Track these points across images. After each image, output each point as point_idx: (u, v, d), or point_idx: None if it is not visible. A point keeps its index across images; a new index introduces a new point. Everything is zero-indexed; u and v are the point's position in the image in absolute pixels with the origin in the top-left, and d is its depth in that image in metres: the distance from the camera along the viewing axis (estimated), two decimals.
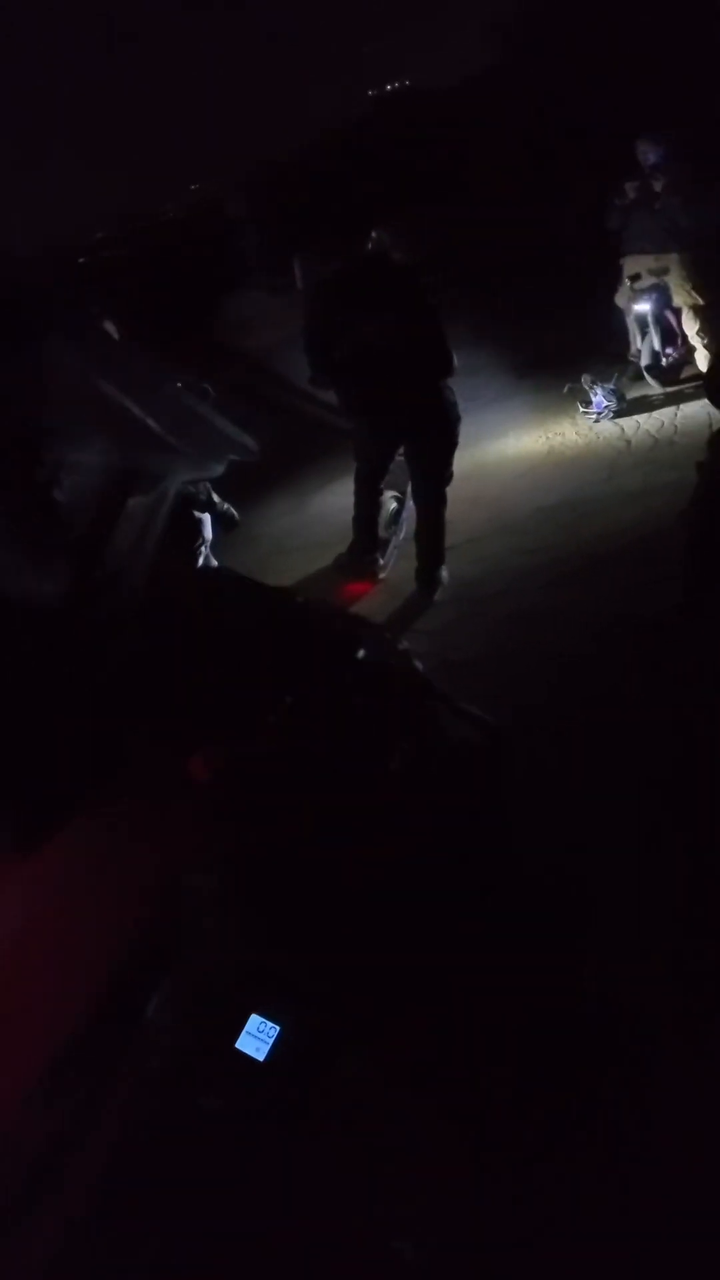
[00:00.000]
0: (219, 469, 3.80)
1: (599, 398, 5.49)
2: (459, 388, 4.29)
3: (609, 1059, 2.06)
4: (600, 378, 5.59)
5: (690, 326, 5.81)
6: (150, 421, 2.62)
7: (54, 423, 2.42)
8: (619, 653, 3.45)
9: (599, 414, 5.49)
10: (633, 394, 5.71)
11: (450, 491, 4.34)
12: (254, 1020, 2.02)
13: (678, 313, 5.94)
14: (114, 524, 2.48)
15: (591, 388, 5.54)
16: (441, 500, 4.30)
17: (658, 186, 5.96)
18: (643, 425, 5.37)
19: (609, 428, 5.43)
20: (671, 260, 5.86)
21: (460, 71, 13.94)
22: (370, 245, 4.26)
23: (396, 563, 4.63)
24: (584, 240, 6.81)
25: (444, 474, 4.27)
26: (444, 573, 4.36)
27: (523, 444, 5.59)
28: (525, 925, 2.21)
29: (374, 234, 4.28)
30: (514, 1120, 1.94)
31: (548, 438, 5.59)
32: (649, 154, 6.01)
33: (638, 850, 2.57)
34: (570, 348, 6.27)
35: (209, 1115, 1.97)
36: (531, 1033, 2.03)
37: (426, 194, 9.01)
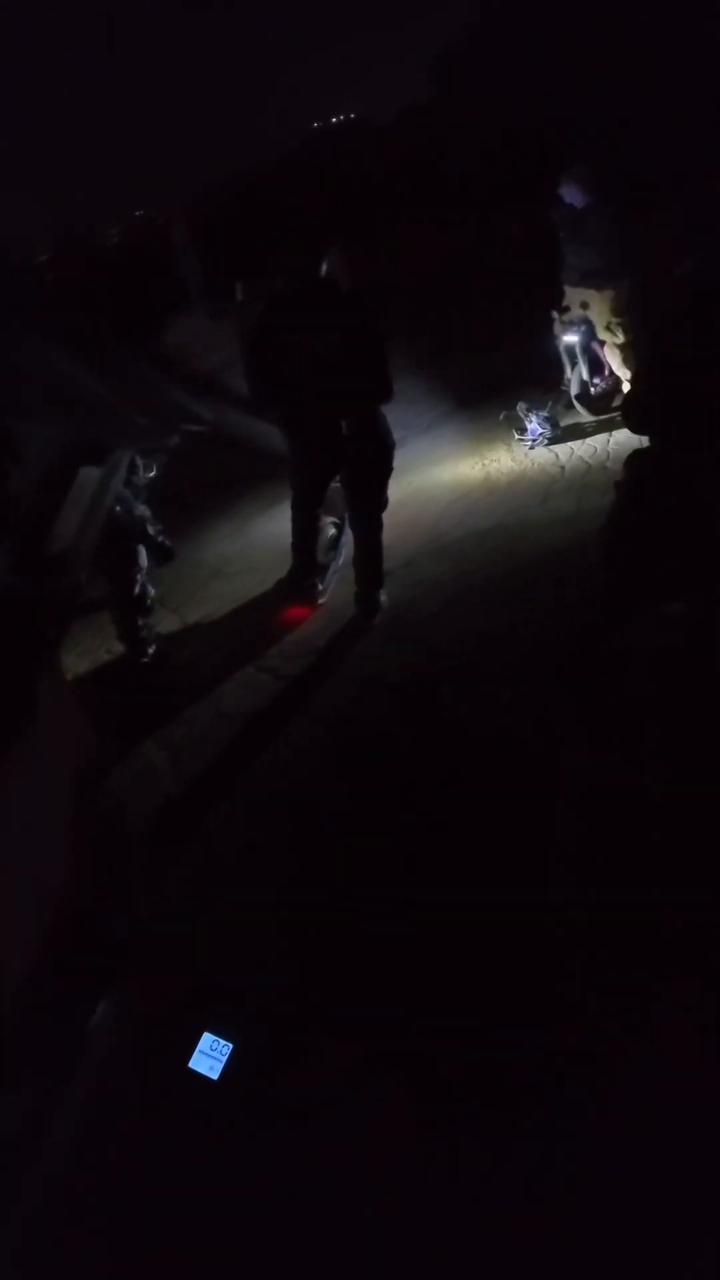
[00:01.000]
0: (173, 438, 3.78)
1: (534, 425, 5.61)
2: (398, 415, 4.35)
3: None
4: (535, 405, 5.71)
5: (614, 359, 5.99)
6: (101, 389, 2.60)
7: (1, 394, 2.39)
8: (551, 669, 3.54)
9: (534, 441, 5.61)
10: (566, 421, 5.85)
11: (388, 516, 4.38)
12: (207, 1038, 2.05)
13: (604, 344, 6.11)
14: (64, 495, 2.46)
15: (526, 415, 5.67)
16: (378, 526, 4.34)
17: (578, 219, 6.14)
18: (576, 452, 5.51)
19: (544, 454, 5.55)
20: (592, 297, 6.04)
21: (404, 105, 14.24)
22: (316, 269, 4.30)
23: (336, 587, 4.66)
24: (520, 271, 6.98)
25: (379, 500, 4.31)
26: (383, 596, 4.40)
27: (460, 470, 5.68)
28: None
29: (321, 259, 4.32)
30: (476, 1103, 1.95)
31: (484, 464, 5.69)
32: (569, 193, 6.20)
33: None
34: (506, 376, 6.40)
35: (165, 1136, 1.96)
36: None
37: (367, 224, 9.15)
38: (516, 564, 4.48)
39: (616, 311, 5.84)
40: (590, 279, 5.94)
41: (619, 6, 10.53)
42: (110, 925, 2.40)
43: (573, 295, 6.13)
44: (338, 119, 16.48)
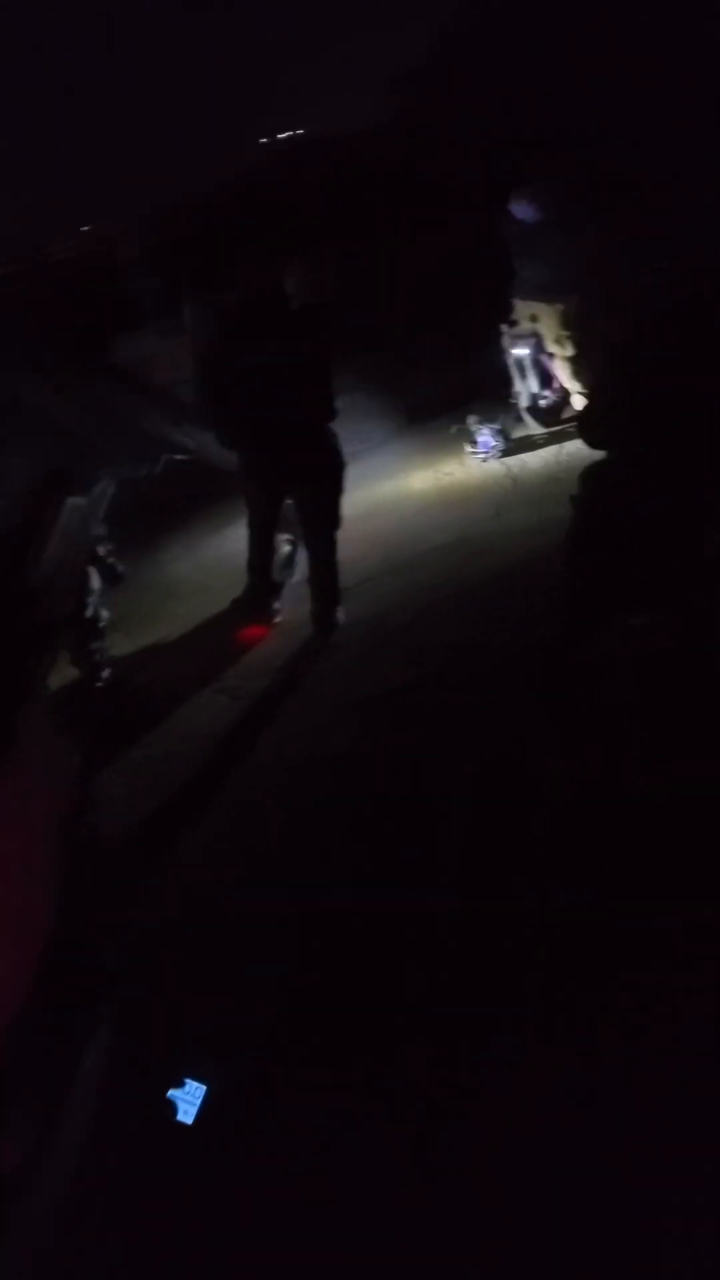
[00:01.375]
0: (154, 468, 3.71)
1: (485, 438, 5.65)
2: (351, 429, 4.35)
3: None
4: (486, 418, 5.76)
5: (563, 373, 6.05)
6: (79, 420, 2.59)
7: None
8: (516, 683, 3.54)
9: (486, 454, 5.65)
10: (518, 434, 5.90)
11: (343, 533, 4.37)
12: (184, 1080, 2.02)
13: (553, 357, 6.18)
14: (51, 526, 2.43)
15: (478, 428, 5.71)
16: (332, 544, 4.33)
17: (531, 234, 6.22)
18: (529, 464, 5.55)
19: (496, 467, 5.59)
20: (541, 310, 6.11)
21: (355, 124, 14.29)
22: (268, 284, 4.27)
23: (293, 606, 4.63)
24: (470, 284, 7.03)
25: (332, 518, 4.29)
26: (340, 614, 4.38)
27: (413, 484, 5.69)
28: None
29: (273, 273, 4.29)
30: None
31: (437, 478, 5.71)
32: (519, 208, 6.27)
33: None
34: (457, 390, 6.44)
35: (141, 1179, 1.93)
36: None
37: (316, 240, 9.15)
38: (474, 579, 4.50)
39: (566, 325, 5.92)
40: (541, 292, 6.02)
41: (588, 15, 10.67)
42: (99, 957, 2.35)
43: (522, 309, 6.21)
44: (291, 134, 16.48)
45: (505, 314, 6.23)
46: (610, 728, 3.18)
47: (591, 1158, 1.86)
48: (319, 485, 4.19)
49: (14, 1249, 1.63)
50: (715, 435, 2.97)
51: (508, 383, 6.31)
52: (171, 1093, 2.00)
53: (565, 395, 6.14)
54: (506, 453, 5.66)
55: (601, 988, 2.25)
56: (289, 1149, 2.00)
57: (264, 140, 16.51)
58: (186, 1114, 2.00)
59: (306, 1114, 2.06)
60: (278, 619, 4.58)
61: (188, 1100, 2.01)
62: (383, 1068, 2.16)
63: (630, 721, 3.17)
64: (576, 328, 5.84)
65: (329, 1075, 2.16)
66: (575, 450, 5.56)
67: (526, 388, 6.14)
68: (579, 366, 5.89)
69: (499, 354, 6.32)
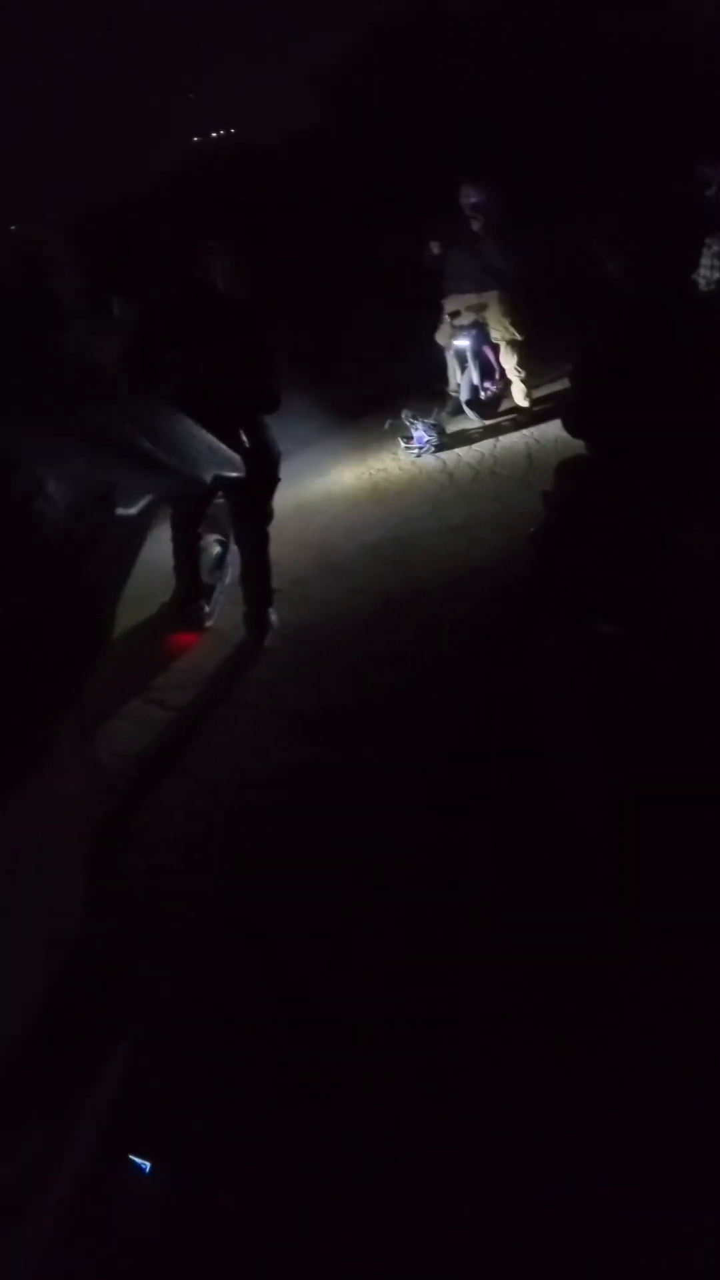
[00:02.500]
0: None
1: (419, 433, 5.55)
2: (282, 427, 4.21)
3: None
4: (420, 413, 5.67)
5: (509, 361, 6.01)
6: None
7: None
8: (451, 685, 3.45)
9: (420, 449, 5.56)
10: (453, 428, 5.83)
11: (275, 532, 4.22)
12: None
13: (496, 348, 6.13)
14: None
15: (412, 423, 5.61)
16: (264, 541, 4.18)
17: (476, 227, 6.19)
18: (463, 458, 5.47)
19: (430, 462, 5.50)
20: (490, 298, 6.07)
21: (284, 122, 14.20)
22: (199, 279, 4.14)
23: (224, 609, 4.47)
24: (403, 281, 6.97)
25: (264, 513, 4.15)
26: (273, 616, 4.23)
27: (346, 481, 5.57)
28: None
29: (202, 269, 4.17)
30: None
31: (371, 474, 5.60)
32: (469, 196, 6.22)
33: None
34: (391, 385, 6.35)
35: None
36: None
37: (249, 238, 9.03)
38: (409, 577, 4.40)
39: (512, 311, 5.89)
40: (488, 279, 5.98)
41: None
42: (119, 978, 2.22)
43: (465, 300, 6.16)
44: (219, 134, 16.33)
45: (447, 305, 6.18)
46: (567, 736, 3.07)
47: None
48: (252, 478, 4.05)
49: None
50: (690, 439, 2.92)
51: (445, 376, 6.25)
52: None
53: (506, 387, 6.10)
54: (441, 447, 5.58)
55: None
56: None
57: (196, 139, 16.35)
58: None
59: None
60: (209, 623, 4.42)
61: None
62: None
63: (592, 732, 3.06)
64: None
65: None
66: (510, 444, 5.53)
67: (467, 379, 6.07)
68: (524, 354, 5.88)
69: (437, 347, 6.26)
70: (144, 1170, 1.90)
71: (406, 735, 3.28)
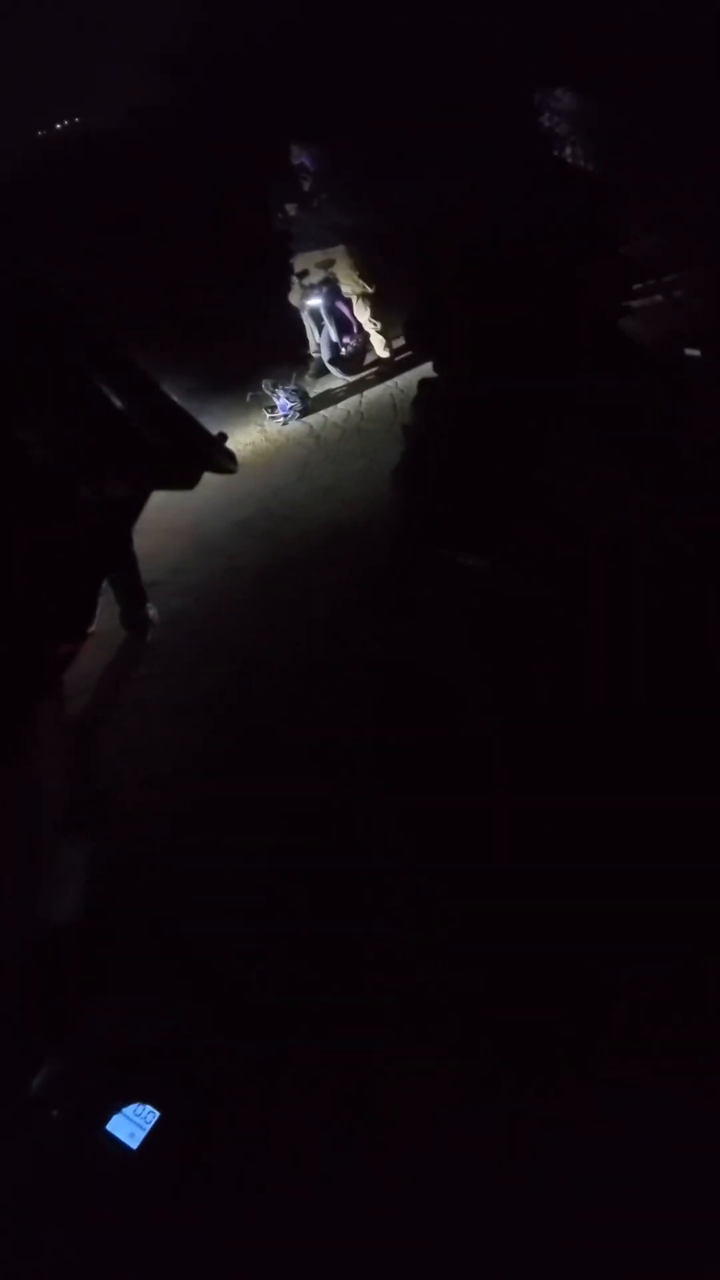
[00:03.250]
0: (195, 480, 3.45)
1: (282, 401, 5.48)
2: None
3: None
4: (281, 380, 5.59)
5: (363, 314, 5.94)
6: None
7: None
8: (331, 649, 3.44)
9: (285, 416, 5.49)
10: (317, 390, 5.76)
11: (146, 524, 4.11)
12: (133, 1105, 1.92)
13: (349, 302, 6.05)
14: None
15: (274, 392, 5.54)
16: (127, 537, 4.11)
17: (307, 186, 6.09)
18: (329, 419, 5.41)
19: (297, 428, 5.44)
20: (336, 253, 5.98)
21: (129, 105, 13.75)
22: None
23: (102, 611, 4.40)
24: (249, 248, 6.83)
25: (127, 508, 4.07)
26: (151, 610, 4.18)
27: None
28: None
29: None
30: None
31: (238, 449, 5.50)
32: (297, 156, 6.12)
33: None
34: (248, 356, 6.25)
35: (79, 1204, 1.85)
36: None
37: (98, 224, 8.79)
38: (282, 547, 4.36)
39: (360, 264, 5.81)
40: (330, 235, 5.89)
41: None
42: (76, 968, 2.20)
43: (311, 259, 6.06)
44: (64, 124, 15.74)
45: (296, 265, 6.07)
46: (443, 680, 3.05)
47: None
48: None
49: None
50: (538, 368, 2.87)
51: (304, 338, 6.16)
52: (123, 1112, 1.92)
53: (366, 340, 6.03)
54: (306, 412, 5.52)
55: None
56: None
57: (41, 133, 15.76)
58: (132, 1137, 1.91)
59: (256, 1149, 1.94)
60: (90, 629, 4.35)
61: (136, 1123, 1.93)
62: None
63: (465, 671, 3.06)
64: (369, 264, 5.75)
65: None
66: (375, 397, 5.48)
67: (325, 338, 6.00)
68: (377, 304, 5.81)
69: (292, 309, 6.16)
70: (125, 1144, 1.89)
71: (294, 708, 3.28)
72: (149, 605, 4.17)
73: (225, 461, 2.47)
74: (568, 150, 5.59)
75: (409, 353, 5.78)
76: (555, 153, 5.61)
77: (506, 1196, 1.70)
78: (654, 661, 2.74)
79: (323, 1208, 1.81)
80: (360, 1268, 1.72)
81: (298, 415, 5.48)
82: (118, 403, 2.55)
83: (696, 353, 4.07)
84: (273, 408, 5.54)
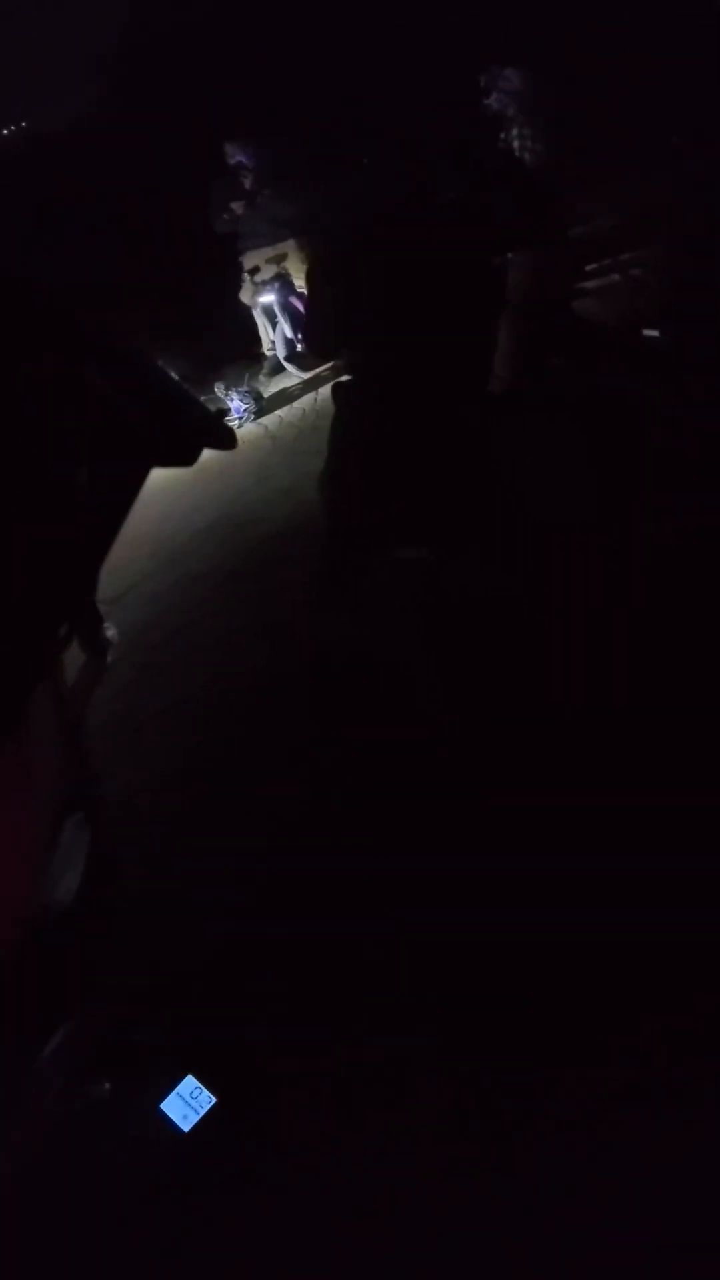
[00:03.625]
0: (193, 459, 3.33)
1: (236, 403, 5.37)
2: None
3: None
4: (233, 383, 5.47)
5: None
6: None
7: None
8: (291, 654, 3.32)
9: (240, 419, 5.37)
10: (271, 389, 5.65)
11: None
12: (188, 1082, 1.89)
13: (303, 297, 5.94)
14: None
15: (227, 395, 5.42)
16: None
17: (248, 184, 6.00)
18: (285, 418, 5.31)
19: (253, 429, 5.32)
20: (287, 248, 5.89)
21: (74, 108, 13.54)
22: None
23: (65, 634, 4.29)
24: (196, 249, 6.70)
25: None
26: (109, 631, 4.05)
27: (170, 471, 5.36)
28: None
29: None
30: None
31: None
32: (233, 155, 6.03)
33: None
34: (201, 358, 6.13)
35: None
36: None
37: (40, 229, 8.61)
38: (244, 553, 4.27)
39: (310, 257, 5.71)
40: (279, 229, 5.80)
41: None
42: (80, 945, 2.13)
43: (258, 256, 5.97)
44: (8, 129, 15.50)
45: (246, 263, 5.97)
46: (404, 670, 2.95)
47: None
48: None
49: None
50: (452, 353, 2.77)
51: (258, 337, 6.05)
52: (176, 1091, 1.88)
53: None
54: (262, 413, 5.41)
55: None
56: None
57: None
58: (185, 1119, 1.87)
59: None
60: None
61: (191, 1105, 1.89)
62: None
63: (417, 666, 2.98)
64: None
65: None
66: (329, 396, 5.37)
67: (280, 334, 5.89)
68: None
69: (244, 309, 6.05)
70: (178, 1127, 1.84)
71: (256, 715, 3.20)
72: (107, 626, 4.06)
73: (224, 437, 2.37)
74: (515, 132, 5.49)
75: None
76: (503, 135, 5.51)
77: (505, 1197, 1.66)
78: (616, 652, 2.69)
79: (321, 1209, 1.77)
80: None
81: (253, 417, 5.37)
82: (110, 381, 2.45)
83: (654, 333, 4.00)
84: (227, 412, 5.42)
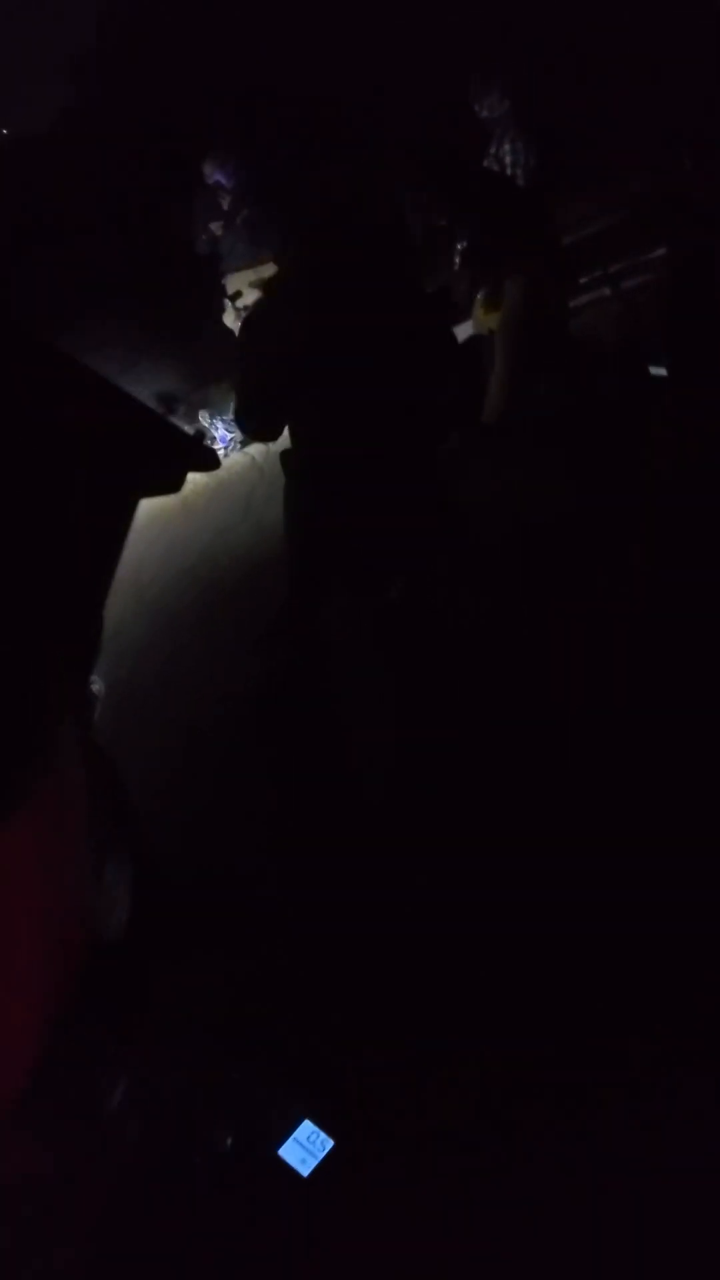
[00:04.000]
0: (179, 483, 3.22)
1: (221, 431, 5.22)
2: None
3: None
4: (218, 410, 5.32)
5: None
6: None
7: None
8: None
9: (225, 448, 5.22)
10: None
11: None
12: (305, 1127, 1.83)
13: None
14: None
15: (212, 422, 5.27)
16: None
17: (226, 205, 5.88)
18: (272, 448, 5.13)
19: (239, 458, 5.17)
20: (269, 266, 5.73)
21: (53, 113, 13.41)
22: None
23: None
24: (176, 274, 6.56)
25: None
26: (95, 685, 3.92)
27: (154, 504, 5.20)
28: None
29: None
30: None
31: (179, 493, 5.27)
32: (211, 174, 5.89)
33: None
34: (183, 384, 5.98)
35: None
36: None
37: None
38: (228, 595, 4.13)
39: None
40: (259, 249, 5.66)
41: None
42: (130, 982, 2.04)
43: (241, 277, 5.82)
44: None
45: (229, 286, 5.83)
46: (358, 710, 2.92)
47: None
48: None
49: None
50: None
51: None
52: (294, 1136, 1.81)
53: None
54: (248, 441, 5.24)
55: None
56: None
57: None
58: (304, 1164, 1.80)
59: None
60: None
61: (309, 1150, 1.82)
62: None
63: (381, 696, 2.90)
64: None
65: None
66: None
67: None
68: None
69: (226, 334, 5.89)
70: (298, 1171, 1.77)
71: (239, 772, 3.11)
72: (94, 679, 3.92)
73: (206, 458, 2.23)
74: (506, 147, 5.32)
75: None
76: (493, 150, 5.34)
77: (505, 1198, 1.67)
78: (589, 669, 2.74)
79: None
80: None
81: (238, 445, 5.21)
82: (83, 414, 2.32)
83: (662, 371, 3.81)
84: (213, 440, 5.27)
